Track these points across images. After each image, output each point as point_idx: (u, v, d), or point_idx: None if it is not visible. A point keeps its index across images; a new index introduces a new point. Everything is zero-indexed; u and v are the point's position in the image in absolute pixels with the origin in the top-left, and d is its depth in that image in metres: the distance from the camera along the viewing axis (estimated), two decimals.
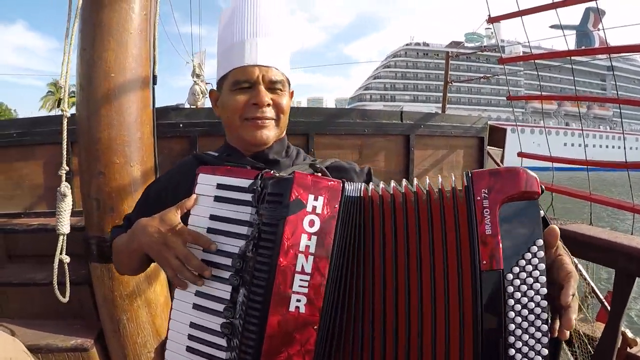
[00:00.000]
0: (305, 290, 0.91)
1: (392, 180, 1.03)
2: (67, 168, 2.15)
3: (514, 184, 0.87)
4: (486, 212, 0.86)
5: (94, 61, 2.20)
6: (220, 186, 1.05)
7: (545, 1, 4.69)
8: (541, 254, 0.84)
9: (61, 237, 2.20)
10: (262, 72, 1.20)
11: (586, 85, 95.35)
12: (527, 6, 4.92)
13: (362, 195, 0.99)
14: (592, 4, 4.36)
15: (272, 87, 1.22)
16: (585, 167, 4.20)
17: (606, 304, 3.08)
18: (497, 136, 5.24)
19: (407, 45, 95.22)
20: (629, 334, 3.22)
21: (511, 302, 0.83)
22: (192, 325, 1.02)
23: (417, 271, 0.92)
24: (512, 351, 0.82)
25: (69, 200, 2.19)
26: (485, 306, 0.84)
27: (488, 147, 4.65)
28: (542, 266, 0.83)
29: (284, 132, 1.33)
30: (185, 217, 1.05)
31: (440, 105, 6.54)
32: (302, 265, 0.91)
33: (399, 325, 0.92)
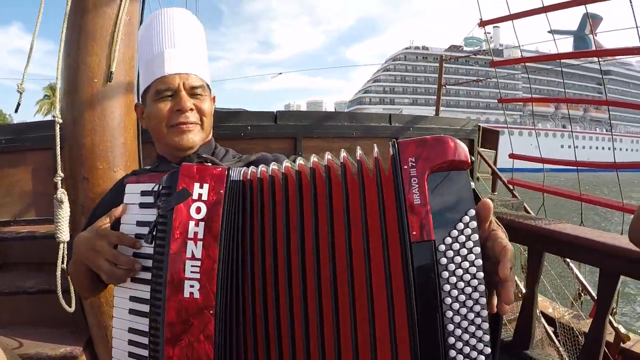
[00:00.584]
0: (197, 276, 0.92)
1: (299, 157, 1.04)
2: (62, 174, 2.13)
3: (442, 152, 0.82)
4: (414, 181, 0.81)
5: (78, 66, 2.20)
6: (143, 193, 1.07)
7: (539, 6, 4.74)
8: (474, 224, 0.79)
9: (62, 245, 2.16)
10: (182, 79, 1.25)
11: (582, 88, 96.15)
12: (524, 11, 4.98)
13: (242, 178, 1.00)
14: (588, 10, 4.40)
15: (193, 92, 1.27)
16: (576, 167, 4.22)
17: None
18: (490, 138, 5.26)
19: (406, 49, 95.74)
20: (622, 330, 3.27)
21: (445, 274, 0.78)
22: (131, 330, 1.03)
23: (328, 250, 0.89)
24: (450, 326, 0.77)
25: (66, 207, 2.15)
26: (418, 280, 0.79)
27: (481, 148, 4.65)
28: (476, 237, 0.79)
29: (210, 135, 1.38)
30: (117, 227, 1.08)
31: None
32: (192, 251, 0.93)
33: (308, 310, 0.88)
